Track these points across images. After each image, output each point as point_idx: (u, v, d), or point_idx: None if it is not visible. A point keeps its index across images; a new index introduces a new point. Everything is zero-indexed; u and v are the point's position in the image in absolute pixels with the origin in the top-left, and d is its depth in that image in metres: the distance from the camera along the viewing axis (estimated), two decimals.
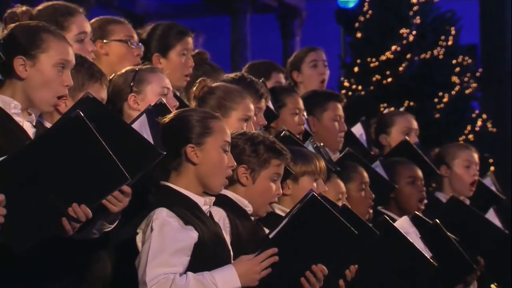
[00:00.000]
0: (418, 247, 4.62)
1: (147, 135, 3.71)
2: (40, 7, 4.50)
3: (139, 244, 3.74)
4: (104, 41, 4.82)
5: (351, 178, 4.99)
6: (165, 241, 3.66)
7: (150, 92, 4.31)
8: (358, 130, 6.16)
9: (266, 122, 4.88)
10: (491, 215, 6.01)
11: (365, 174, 5.16)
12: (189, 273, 3.66)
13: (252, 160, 4.07)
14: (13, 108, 3.72)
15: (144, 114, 3.80)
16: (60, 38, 3.79)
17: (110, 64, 4.72)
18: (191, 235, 3.71)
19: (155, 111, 3.97)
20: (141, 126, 3.73)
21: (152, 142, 3.70)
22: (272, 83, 5.75)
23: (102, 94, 4.00)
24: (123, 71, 4.43)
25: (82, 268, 3.86)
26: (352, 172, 5.08)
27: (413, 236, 4.72)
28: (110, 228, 3.70)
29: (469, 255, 5.23)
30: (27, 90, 3.73)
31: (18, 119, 3.72)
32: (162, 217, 3.69)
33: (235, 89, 4.56)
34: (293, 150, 4.47)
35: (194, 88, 4.56)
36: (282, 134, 4.85)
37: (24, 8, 4.32)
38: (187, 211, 3.75)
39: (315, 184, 4.47)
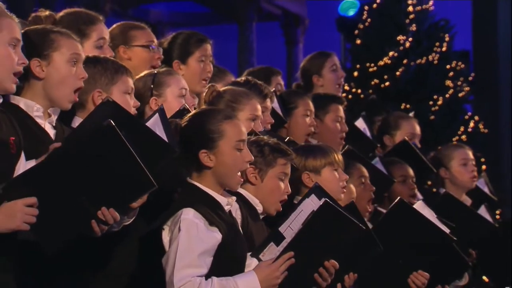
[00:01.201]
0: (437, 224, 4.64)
1: (161, 133, 3.70)
2: (62, 13, 4.51)
3: (165, 240, 3.73)
4: (127, 46, 4.82)
5: (350, 174, 5.01)
6: (192, 243, 3.64)
7: (169, 94, 4.33)
8: (360, 124, 6.16)
9: (273, 121, 4.88)
10: (483, 211, 6.01)
11: (363, 169, 5.17)
12: (214, 278, 3.65)
13: (259, 160, 4.08)
14: (36, 111, 3.73)
15: (157, 114, 3.79)
16: (68, 36, 3.81)
17: (133, 68, 4.71)
18: (216, 237, 3.70)
19: (179, 115, 3.97)
20: (155, 125, 3.72)
21: (166, 140, 3.70)
22: (273, 86, 5.74)
23: (130, 83, 4.04)
24: (142, 75, 4.44)
25: (103, 261, 3.87)
26: (350, 169, 5.08)
27: (430, 216, 4.73)
28: (129, 222, 3.70)
29: (462, 249, 5.25)
30: (46, 89, 3.74)
31: (40, 121, 3.74)
32: (190, 218, 3.68)
33: (242, 91, 4.57)
34: (311, 147, 4.56)
35: (204, 94, 4.56)
36: (286, 140, 4.86)
37: (47, 12, 4.34)
38: (211, 211, 3.74)
39: (336, 174, 4.52)
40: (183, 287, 3.60)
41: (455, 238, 4.68)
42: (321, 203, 3.89)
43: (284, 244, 3.85)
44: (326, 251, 3.91)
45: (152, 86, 4.33)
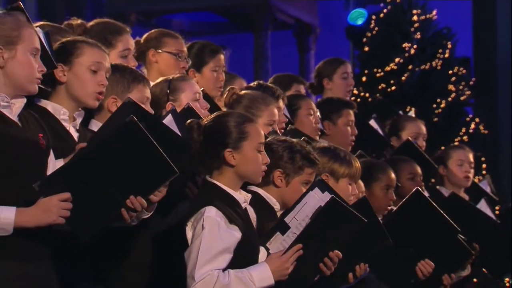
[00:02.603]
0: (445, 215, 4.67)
1: (176, 131, 3.73)
2: (92, 22, 4.53)
3: (188, 235, 3.73)
4: (158, 50, 4.83)
5: (378, 178, 4.98)
6: (214, 240, 3.64)
7: (184, 99, 4.31)
8: (373, 124, 6.16)
9: (287, 119, 4.89)
10: (483, 205, 6.01)
11: (393, 177, 5.12)
12: (230, 271, 3.65)
13: (288, 166, 4.07)
14: (62, 114, 3.77)
15: (170, 114, 3.81)
16: (92, 45, 3.85)
17: (159, 71, 4.74)
18: (236, 235, 3.71)
19: (185, 114, 4.00)
20: (169, 124, 3.74)
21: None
22: (292, 92, 5.76)
23: (146, 93, 4.04)
24: (158, 81, 4.43)
25: (124, 254, 3.89)
26: (381, 173, 5.06)
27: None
28: (148, 216, 3.72)
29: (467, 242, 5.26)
30: (69, 92, 3.78)
31: (65, 124, 3.77)
32: (212, 216, 3.68)
33: (260, 96, 4.55)
34: (340, 154, 4.48)
35: (224, 96, 4.56)
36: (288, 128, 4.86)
37: (79, 21, 4.36)
38: (231, 209, 3.74)
39: (350, 188, 4.46)
40: (203, 281, 3.60)
41: (459, 229, 4.70)
42: (328, 199, 3.89)
43: (289, 233, 3.86)
44: (331, 243, 3.91)
45: (168, 91, 4.32)
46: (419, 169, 5.76)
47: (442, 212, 4.67)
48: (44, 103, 3.78)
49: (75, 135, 3.79)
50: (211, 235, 3.64)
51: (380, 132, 6.19)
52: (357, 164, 4.54)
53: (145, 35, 4.93)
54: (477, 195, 6.27)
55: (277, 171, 4.05)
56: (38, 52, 3.51)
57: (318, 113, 5.51)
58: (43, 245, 3.43)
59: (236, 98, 4.51)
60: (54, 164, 3.56)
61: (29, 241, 3.36)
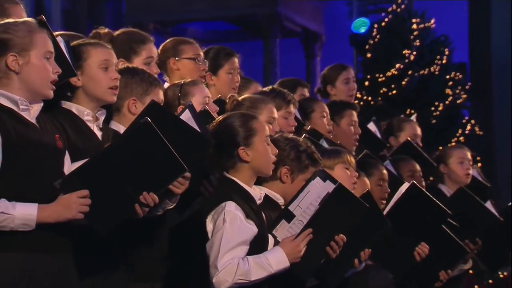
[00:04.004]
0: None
1: (195, 127, 3.72)
2: (119, 32, 4.53)
3: (208, 227, 3.74)
4: (176, 58, 4.83)
5: (371, 174, 4.98)
6: (234, 233, 3.68)
7: (195, 102, 4.29)
8: (372, 127, 6.16)
9: (297, 124, 4.89)
10: (489, 205, 5.98)
11: (385, 172, 5.14)
12: (249, 257, 3.69)
13: (294, 164, 4.08)
14: (86, 115, 3.76)
15: (187, 109, 3.80)
16: (96, 45, 3.84)
17: (181, 77, 4.73)
18: (253, 229, 3.74)
19: (202, 116, 4.00)
20: (187, 118, 3.74)
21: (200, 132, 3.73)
22: (297, 96, 5.74)
23: (162, 96, 4.05)
24: (170, 85, 4.43)
25: (144, 245, 3.88)
26: (373, 169, 5.07)
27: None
28: (172, 206, 3.72)
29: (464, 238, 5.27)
30: (87, 92, 3.78)
31: (89, 124, 3.76)
32: (232, 210, 3.71)
33: (259, 98, 4.57)
34: (327, 149, 4.55)
35: (227, 103, 4.57)
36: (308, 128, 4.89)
37: (106, 30, 4.36)
38: (247, 205, 3.77)
39: (348, 172, 4.50)
40: (225, 269, 3.63)
41: (450, 212, 4.71)
42: (333, 187, 3.91)
43: (295, 221, 3.88)
44: (337, 228, 3.93)
45: (179, 95, 4.31)
46: (418, 167, 5.77)
47: (435, 200, 4.70)
48: (68, 105, 3.78)
49: (99, 133, 3.79)
50: (232, 228, 3.67)
51: (378, 134, 6.17)
52: (347, 153, 4.58)
53: (161, 46, 4.92)
54: (473, 186, 6.24)
55: (284, 168, 4.06)
56: (51, 55, 3.49)
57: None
58: (64, 238, 3.44)
59: (237, 103, 4.51)
60: (69, 162, 3.57)
61: (50, 234, 3.37)
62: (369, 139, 5.82)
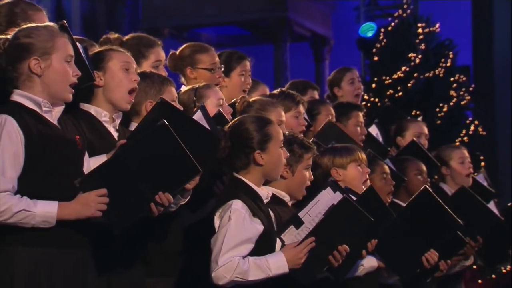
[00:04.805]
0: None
1: (206, 126, 3.74)
2: (128, 36, 4.55)
3: (215, 224, 3.74)
4: (193, 68, 4.82)
5: (373, 170, 4.98)
6: (238, 231, 3.66)
7: (209, 105, 4.31)
8: (373, 130, 6.14)
9: (307, 123, 4.89)
10: (492, 206, 5.97)
11: (385, 166, 5.14)
12: (250, 258, 3.66)
13: (290, 158, 4.05)
14: (103, 116, 3.80)
15: (199, 110, 3.82)
16: (117, 50, 3.88)
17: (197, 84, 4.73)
18: (258, 228, 3.72)
19: (216, 118, 4.00)
20: (199, 119, 3.75)
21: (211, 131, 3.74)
22: (307, 97, 5.74)
23: (174, 92, 4.07)
24: (186, 89, 4.45)
25: (157, 241, 3.90)
26: (374, 166, 5.06)
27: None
28: (184, 202, 3.73)
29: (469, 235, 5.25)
30: (106, 94, 3.82)
31: (106, 125, 3.79)
32: (238, 208, 3.70)
33: (268, 101, 4.57)
34: (338, 147, 4.52)
35: (237, 104, 4.57)
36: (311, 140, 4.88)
37: (116, 35, 4.39)
38: (254, 204, 3.76)
39: (360, 168, 4.48)
40: (225, 266, 3.62)
41: (462, 223, 4.68)
42: (340, 198, 3.90)
43: (303, 228, 3.87)
44: (340, 238, 3.92)
45: (194, 98, 4.32)
46: (423, 167, 5.74)
47: (447, 207, 4.64)
48: (87, 107, 3.82)
49: (115, 134, 3.83)
50: (236, 226, 3.66)
51: (380, 137, 6.16)
52: (358, 150, 4.57)
53: (179, 51, 4.92)
54: (476, 190, 6.22)
55: None
56: (72, 59, 3.52)
57: None
58: (82, 235, 3.46)
59: (248, 104, 4.52)
60: (88, 162, 3.60)
61: (69, 232, 3.39)
62: (370, 143, 5.79)
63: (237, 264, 3.62)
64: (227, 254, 3.63)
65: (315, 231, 3.84)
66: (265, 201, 3.87)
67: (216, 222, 3.74)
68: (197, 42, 5.17)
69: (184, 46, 4.98)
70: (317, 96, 6.02)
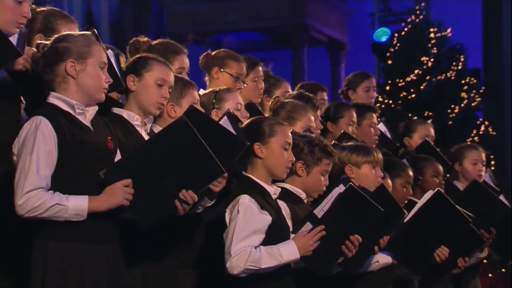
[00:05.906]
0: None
1: (232, 131, 3.74)
2: (156, 41, 4.56)
3: (227, 219, 3.76)
4: (220, 69, 4.83)
5: (399, 175, 4.94)
6: (247, 222, 3.67)
7: (227, 108, 4.33)
8: (381, 127, 6.12)
9: (322, 126, 4.87)
10: (502, 198, 5.95)
11: (411, 174, 5.08)
12: (262, 247, 3.68)
13: (308, 158, 4.06)
14: (135, 120, 3.81)
15: (225, 116, 3.83)
16: (162, 63, 3.87)
17: (217, 86, 4.75)
18: (267, 219, 3.73)
19: (232, 118, 4.02)
20: (225, 124, 3.76)
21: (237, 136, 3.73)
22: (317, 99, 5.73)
23: (196, 95, 4.06)
24: (206, 92, 4.43)
25: (179, 238, 3.90)
26: (402, 171, 5.02)
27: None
28: (210, 204, 3.73)
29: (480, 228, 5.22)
30: (137, 100, 3.82)
31: (138, 128, 3.81)
32: (246, 202, 3.71)
33: (300, 105, 4.54)
34: (357, 145, 4.48)
35: (270, 103, 4.56)
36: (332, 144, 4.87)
37: (145, 39, 4.40)
38: (262, 198, 3.77)
39: (373, 171, 4.44)
40: (238, 256, 3.64)
41: (471, 219, 4.65)
42: (346, 187, 3.89)
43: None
44: (352, 228, 3.90)
45: (214, 101, 4.32)
46: (441, 168, 5.69)
47: (458, 207, 4.62)
48: (120, 110, 3.83)
49: (146, 137, 3.82)
50: (245, 218, 3.68)
51: (388, 134, 6.13)
52: (376, 152, 4.51)
53: (215, 52, 4.92)
54: None
55: (299, 163, 4.04)
56: (105, 66, 3.56)
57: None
58: (111, 231, 3.48)
59: (280, 104, 4.51)
60: None
61: (100, 227, 3.42)
62: (383, 141, 5.78)
63: (250, 253, 3.63)
64: (239, 244, 3.64)
65: (324, 219, 3.84)
66: (274, 196, 3.87)
67: (227, 218, 3.76)
68: (222, 48, 5.15)
69: (221, 49, 4.99)
70: (326, 98, 5.98)
